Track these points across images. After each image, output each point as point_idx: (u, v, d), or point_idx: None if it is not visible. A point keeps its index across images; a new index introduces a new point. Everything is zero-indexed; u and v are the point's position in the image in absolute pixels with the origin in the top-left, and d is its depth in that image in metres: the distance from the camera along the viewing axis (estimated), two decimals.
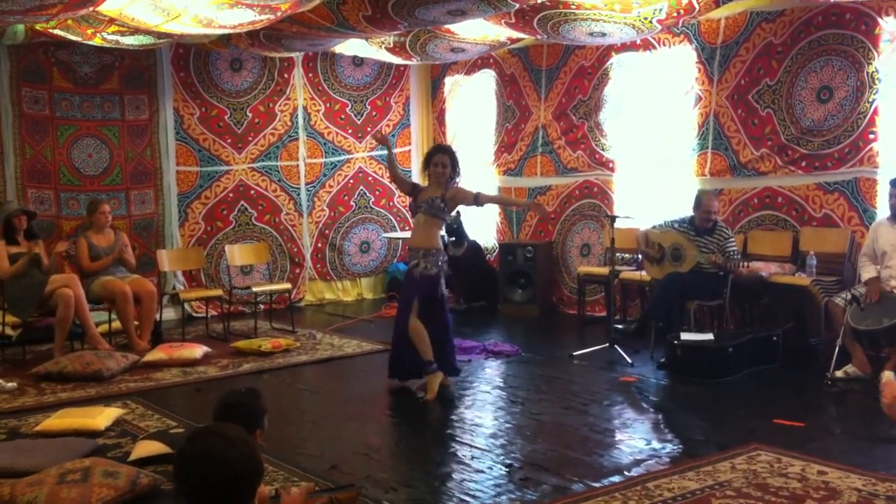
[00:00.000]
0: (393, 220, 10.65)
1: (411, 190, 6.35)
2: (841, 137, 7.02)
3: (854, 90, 6.92)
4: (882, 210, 6.68)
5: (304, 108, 10.04)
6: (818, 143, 7.17)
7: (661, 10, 6.53)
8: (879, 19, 6.72)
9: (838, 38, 7.00)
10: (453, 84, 10.53)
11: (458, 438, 5.18)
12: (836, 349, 6.10)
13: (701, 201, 6.97)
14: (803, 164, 7.28)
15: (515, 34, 7.87)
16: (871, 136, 6.84)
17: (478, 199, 6.18)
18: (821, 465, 4.37)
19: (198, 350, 7.26)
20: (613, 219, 7.27)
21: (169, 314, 8.85)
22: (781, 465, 4.42)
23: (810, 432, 5.02)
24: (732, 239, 6.97)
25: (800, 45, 7.25)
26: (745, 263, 6.94)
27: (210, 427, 2.47)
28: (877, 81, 6.78)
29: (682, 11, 6.59)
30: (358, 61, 10.17)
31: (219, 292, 8.69)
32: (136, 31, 6.67)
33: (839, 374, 6.09)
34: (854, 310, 6.07)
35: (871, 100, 6.82)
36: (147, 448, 4.71)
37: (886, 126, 6.78)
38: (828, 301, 6.40)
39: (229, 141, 9.61)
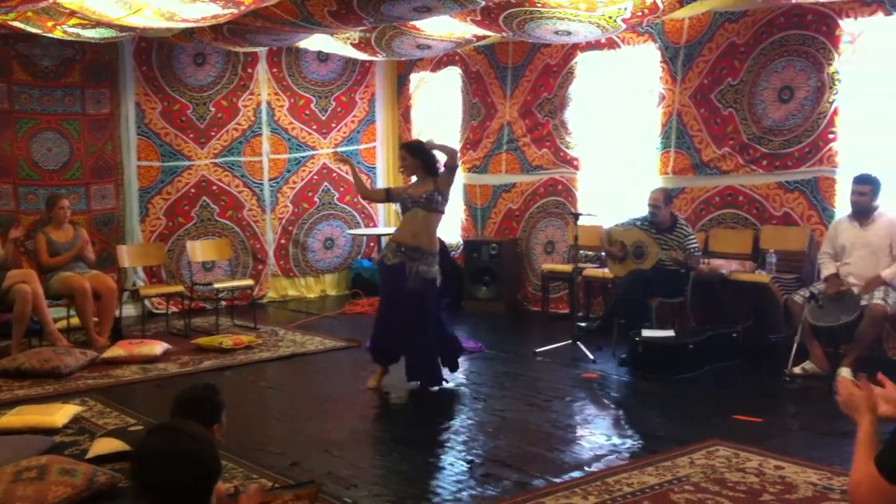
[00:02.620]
0: (357, 216, 10.61)
1: (386, 196, 6.37)
2: (801, 137, 7.11)
3: (815, 90, 7.00)
4: (840, 209, 6.78)
5: (268, 104, 9.97)
6: (779, 142, 7.25)
7: (625, 9, 6.57)
8: (840, 21, 6.80)
9: (800, 38, 7.09)
10: (419, 81, 10.52)
11: (420, 435, 5.18)
12: (795, 346, 6.19)
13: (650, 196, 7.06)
14: (764, 163, 7.36)
15: (481, 31, 7.88)
16: (831, 136, 6.93)
17: (452, 166, 6.06)
18: (778, 460, 4.43)
19: (158, 347, 7.19)
20: (577, 216, 7.30)
21: (129, 310, 8.75)
22: (739, 460, 4.47)
23: (768, 428, 5.08)
24: (693, 236, 7.04)
25: (762, 45, 7.32)
26: (707, 261, 7.01)
27: (168, 423, 2.46)
28: (836, 82, 6.87)
29: (646, 11, 6.63)
30: (323, 57, 10.12)
31: (180, 289, 8.61)
32: (97, 24, 6.58)
33: (797, 370, 6.17)
34: (813, 307, 6.16)
35: (830, 100, 6.91)
36: (105, 446, 4.65)
37: (845, 126, 6.87)
38: (787, 298, 6.48)
39: (192, 136, 9.52)
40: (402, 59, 9.97)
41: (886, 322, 6.16)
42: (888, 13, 6.51)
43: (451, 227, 10.00)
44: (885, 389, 2.21)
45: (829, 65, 6.89)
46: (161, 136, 9.35)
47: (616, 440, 4.94)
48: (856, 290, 6.10)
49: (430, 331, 6.04)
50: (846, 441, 4.63)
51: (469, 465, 4.55)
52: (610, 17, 6.75)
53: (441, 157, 6.12)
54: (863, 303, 5.99)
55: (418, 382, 6.14)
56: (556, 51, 8.89)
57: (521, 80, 9.29)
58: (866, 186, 6.15)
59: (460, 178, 9.88)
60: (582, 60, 8.71)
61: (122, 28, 6.77)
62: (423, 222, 6.00)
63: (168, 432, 2.27)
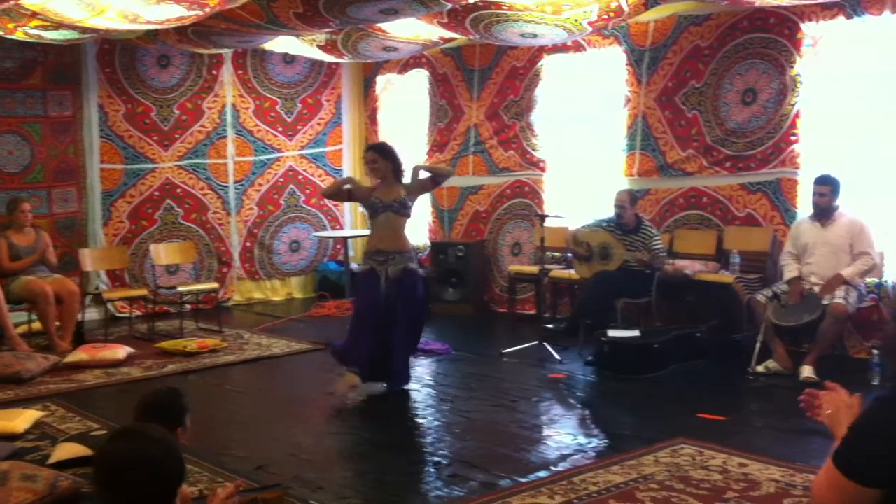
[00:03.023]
0: (324, 218, 10.57)
1: (349, 196, 6.32)
2: (764, 139, 7.19)
3: (777, 93, 7.09)
4: (803, 210, 6.86)
5: (234, 106, 9.91)
6: (742, 144, 7.33)
7: (591, 12, 6.60)
8: (801, 24, 6.89)
9: (762, 42, 7.17)
10: (386, 83, 10.51)
11: (386, 437, 5.17)
12: (758, 345, 6.26)
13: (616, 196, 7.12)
14: (728, 164, 7.43)
15: (448, 34, 7.88)
16: (793, 138, 7.02)
17: (435, 181, 6.22)
18: (741, 458, 4.47)
19: (121, 351, 7.12)
20: (544, 218, 7.34)
21: (91, 314, 8.65)
22: (703, 457, 4.51)
23: (732, 426, 5.13)
24: (658, 237, 7.10)
25: (726, 48, 7.40)
26: (671, 261, 7.07)
27: (131, 427, 2.44)
28: (799, 84, 6.96)
29: (611, 14, 6.67)
30: (289, 59, 10.08)
31: (143, 292, 8.53)
32: (59, 25, 6.50)
33: (761, 368, 6.24)
34: (775, 306, 6.23)
35: (793, 102, 7.00)
36: (68, 451, 4.59)
37: (807, 128, 6.96)
38: (750, 298, 6.55)
39: (156, 138, 9.43)
40: (369, 61, 9.95)
41: (847, 321, 6.24)
42: (849, 17, 6.60)
43: (418, 230, 9.99)
44: (837, 394, 2.23)
45: (791, 67, 6.98)
46: (124, 139, 9.25)
47: (582, 440, 4.97)
48: (817, 289, 6.18)
49: (410, 327, 6.10)
50: (809, 438, 4.71)
51: (436, 467, 4.55)
52: (576, 20, 6.78)
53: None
54: (824, 302, 6.07)
55: (385, 385, 6.13)
56: (522, 53, 8.92)
57: (487, 82, 9.31)
58: (826, 187, 6.24)
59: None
60: (548, 63, 8.75)
61: (84, 30, 6.69)
62: (395, 225, 6.06)
63: (131, 436, 2.26)
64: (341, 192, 6.49)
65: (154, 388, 3.61)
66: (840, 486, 1.92)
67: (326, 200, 10.18)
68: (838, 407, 2.15)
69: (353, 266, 9.67)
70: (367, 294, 6.07)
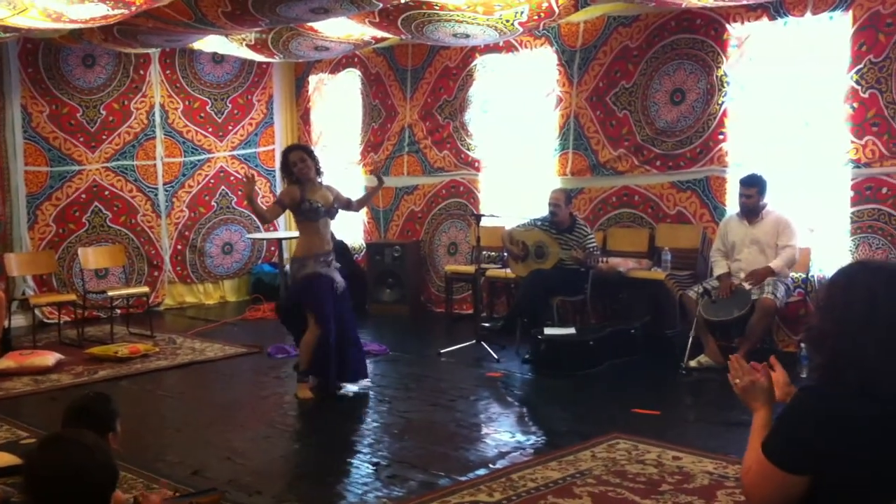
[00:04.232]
0: (256, 220, 10.43)
1: (282, 208, 6.16)
2: (693, 138, 7.33)
3: (705, 93, 7.23)
4: (731, 207, 7.01)
5: (162, 106, 9.73)
6: (672, 143, 7.46)
7: (522, 12, 6.65)
8: (728, 25, 7.04)
9: (690, 42, 7.31)
10: (318, 83, 10.43)
11: (324, 439, 5.14)
12: (690, 340, 6.38)
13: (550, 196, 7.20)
14: (658, 163, 7.56)
15: (380, 33, 7.86)
16: (721, 137, 7.17)
17: (350, 205, 6.27)
18: (675, 451, 4.55)
19: (50, 357, 6.95)
20: (479, 217, 7.36)
21: (18, 321, 8.41)
22: (639, 452, 4.58)
23: (666, 420, 5.22)
24: (592, 236, 7.19)
25: (654, 49, 7.52)
26: (605, 259, 7.16)
27: (61, 434, 2.40)
28: (725, 84, 7.11)
29: (542, 15, 6.73)
30: (218, 58, 9.94)
31: (72, 297, 8.33)
32: None
33: (693, 363, 6.36)
34: (706, 302, 6.36)
35: (720, 102, 7.14)
36: None
37: (735, 127, 7.12)
38: (682, 294, 6.67)
39: (82, 140, 9.22)
40: (300, 60, 9.87)
41: (776, 315, 6.41)
42: (772, 18, 6.77)
43: (353, 230, 9.95)
44: (776, 373, 2.29)
45: (718, 68, 7.12)
46: (49, 141, 9.02)
47: (520, 437, 5.00)
48: (747, 285, 6.32)
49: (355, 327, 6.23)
50: (740, 430, 4.80)
51: (374, 468, 4.53)
52: (507, 21, 6.82)
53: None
54: (753, 297, 6.22)
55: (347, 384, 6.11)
56: (455, 53, 8.94)
57: (420, 82, 9.31)
58: (752, 188, 6.37)
59: (361, 180, 9.84)
60: (481, 63, 8.79)
61: (5, 29, 6.51)
62: (329, 227, 6.09)
63: (61, 443, 2.22)
64: (275, 211, 6.31)
65: (82, 394, 3.52)
66: (769, 473, 1.98)
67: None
68: (750, 383, 2.21)
69: (288, 269, 9.56)
70: (327, 299, 5.92)
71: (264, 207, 6.70)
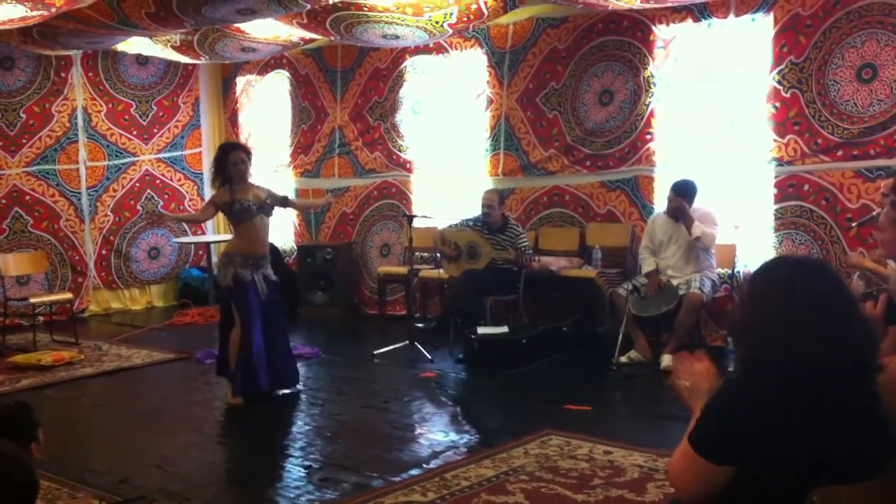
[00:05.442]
0: (183, 224, 10.24)
1: (216, 210, 6.01)
2: (621, 138, 7.43)
3: (632, 94, 7.33)
4: (659, 205, 7.12)
5: (84, 109, 9.50)
6: (601, 143, 7.55)
7: (451, 14, 6.66)
8: (654, 27, 7.16)
9: (617, 44, 7.40)
10: (246, 84, 10.30)
11: (255, 444, 5.06)
12: (620, 336, 6.47)
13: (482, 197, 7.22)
14: (588, 163, 7.64)
15: (308, 34, 7.79)
16: (648, 137, 7.28)
17: (287, 202, 6.14)
18: (607, 446, 4.60)
19: None
20: (411, 218, 7.34)
21: None
22: (571, 447, 4.61)
23: (598, 415, 5.27)
24: (524, 235, 7.24)
25: (582, 50, 7.60)
26: (537, 258, 7.21)
27: None
28: (652, 85, 7.22)
29: (471, 16, 6.75)
30: (142, 60, 9.73)
31: None
32: None
33: (623, 359, 6.45)
34: (635, 299, 6.45)
35: (647, 102, 7.26)
36: None
37: (661, 127, 7.23)
38: (612, 292, 6.76)
39: (1, 144, 8.94)
40: (227, 62, 9.73)
41: (703, 310, 6.53)
42: (697, 20, 6.90)
43: (284, 233, 9.84)
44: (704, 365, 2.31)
45: (645, 69, 7.24)
46: None
47: (454, 436, 4.99)
48: (675, 282, 6.42)
49: (286, 332, 6.13)
50: (670, 424, 4.89)
51: (307, 471, 4.48)
52: (437, 22, 6.83)
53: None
54: (680, 293, 6.32)
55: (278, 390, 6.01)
56: (385, 55, 8.91)
57: (350, 83, 9.25)
58: (683, 199, 6.39)
59: (292, 182, 9.75)
60: (412, 64, 8.78)
61: None
62: (265, 228, 5.94)
63: None
64: (208, 211, 6.17)
65: (2, 404, 3.41)
66: (694, 463, 2.01)
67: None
68: (697, 382, 2.22)
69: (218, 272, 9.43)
70: (251, 305, 5.78)
71: (191, 212, 6.56)
